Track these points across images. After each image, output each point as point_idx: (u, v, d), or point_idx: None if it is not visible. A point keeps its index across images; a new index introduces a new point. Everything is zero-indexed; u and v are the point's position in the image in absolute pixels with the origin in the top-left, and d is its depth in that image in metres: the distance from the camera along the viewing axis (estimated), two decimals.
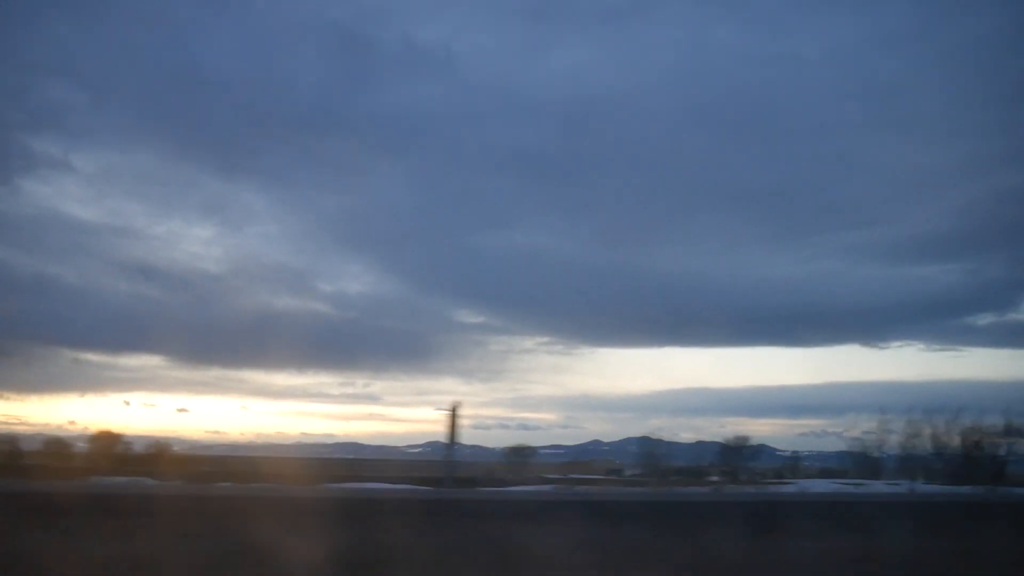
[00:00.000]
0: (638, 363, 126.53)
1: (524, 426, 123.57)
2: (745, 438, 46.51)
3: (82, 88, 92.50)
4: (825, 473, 52.04)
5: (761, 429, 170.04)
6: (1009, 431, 43.82)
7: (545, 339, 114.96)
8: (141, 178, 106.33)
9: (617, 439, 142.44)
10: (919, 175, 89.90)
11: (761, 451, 50.05)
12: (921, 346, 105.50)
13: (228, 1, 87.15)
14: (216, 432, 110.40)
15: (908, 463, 44.56)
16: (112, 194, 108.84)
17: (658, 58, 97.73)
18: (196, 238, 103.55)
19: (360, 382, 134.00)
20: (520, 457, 49.68)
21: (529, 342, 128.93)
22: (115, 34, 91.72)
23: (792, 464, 56.21)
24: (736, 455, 46.11)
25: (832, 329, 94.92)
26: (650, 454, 47.47)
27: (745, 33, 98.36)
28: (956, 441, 44.38)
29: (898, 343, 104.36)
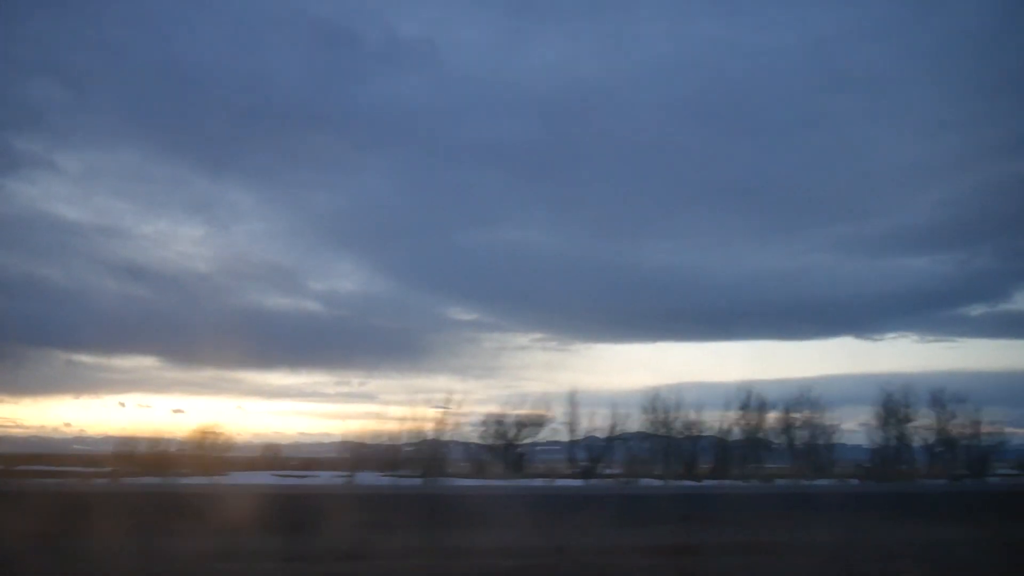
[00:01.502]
0: (633, 358, 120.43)
1: (521, 423, 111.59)
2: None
3: (63, 85, 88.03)
4: (316, 464, 47.32)
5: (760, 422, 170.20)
6: (532, 423, 42.20)
7: (539, 335, 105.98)
8: (127, 177, 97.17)
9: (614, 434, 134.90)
10: (908, 167, 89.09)
11: None
12: (915, 337, 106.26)
13: None
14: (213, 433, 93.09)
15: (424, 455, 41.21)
16: (98, 193, 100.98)
17: (642, 50, 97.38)
18: (185, 237, 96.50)
19: (355, 381, 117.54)
20: None
21: (523, 339, 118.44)
22: (96, 30, 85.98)
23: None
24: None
25: (825, 322, 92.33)
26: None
27: (728, 24, 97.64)
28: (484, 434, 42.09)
29: (892, 335, 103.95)
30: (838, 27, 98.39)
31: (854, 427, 45.59)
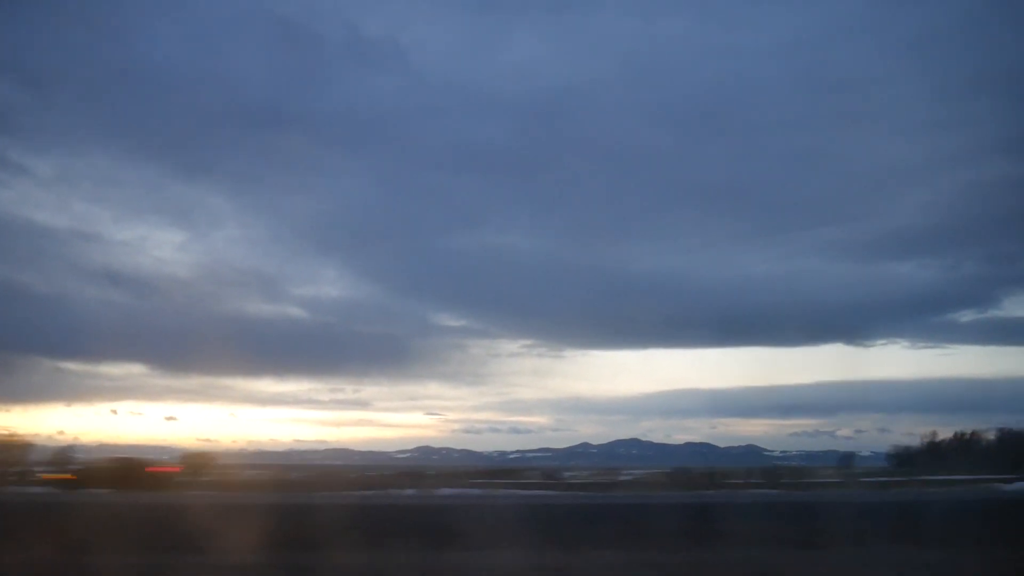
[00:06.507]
0: (624, 365, 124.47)
1: (515, 429, 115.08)
2: None
3: (27, 87, 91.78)
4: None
5: (753, 430, 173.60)
6: None
7: (529, 342, 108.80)
8: (100, 181, 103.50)
9: (606, 441, 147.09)
10: (891, 169, 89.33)
11: None
12: (905, 344, 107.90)
13: None
14: (207, 440, 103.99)
15: None
16: (73, 198, 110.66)
17: (611, 50, 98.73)
18: (164, 243, 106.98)
19: (349, 388, 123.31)
20: None
21: (513, 345, 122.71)
22: (58, 31, 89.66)
23: None
24: None
25: (816, 328, 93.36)
26: None
27: (696, 24, 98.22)
28: None
29: (882, 341, 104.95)
30: (806, 29, 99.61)
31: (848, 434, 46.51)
